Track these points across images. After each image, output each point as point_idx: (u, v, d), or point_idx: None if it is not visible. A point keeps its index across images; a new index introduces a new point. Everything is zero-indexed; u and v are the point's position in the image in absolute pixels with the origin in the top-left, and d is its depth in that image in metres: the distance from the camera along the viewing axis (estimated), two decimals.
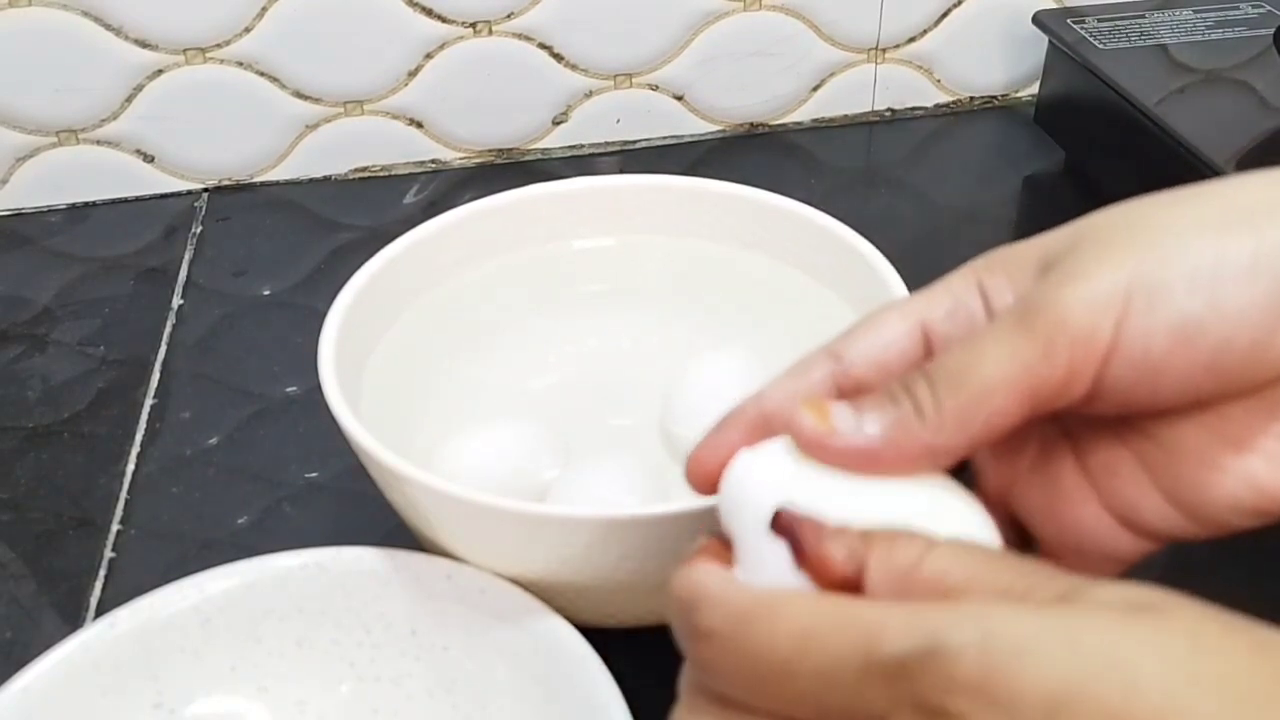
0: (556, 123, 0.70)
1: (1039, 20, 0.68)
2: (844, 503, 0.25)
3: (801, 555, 0.24)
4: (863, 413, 0.25)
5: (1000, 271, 0.28)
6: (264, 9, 0.63)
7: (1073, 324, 0.25)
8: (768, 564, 0.25)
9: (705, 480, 0.28)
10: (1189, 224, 0.26)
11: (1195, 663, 0.20)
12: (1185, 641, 0.20)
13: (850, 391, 0.28)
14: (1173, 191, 0.27)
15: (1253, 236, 0.25)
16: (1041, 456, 0.30)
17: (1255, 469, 0.26)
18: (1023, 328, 0.25)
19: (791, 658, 0.22)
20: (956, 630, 0.21)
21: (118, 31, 0.62)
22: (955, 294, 0.28)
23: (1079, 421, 0.29)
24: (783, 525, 0.25)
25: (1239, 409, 0.26)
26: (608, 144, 0.71)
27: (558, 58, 0.68)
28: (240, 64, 0.64)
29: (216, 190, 0.68)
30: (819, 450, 0.25)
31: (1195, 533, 0.28)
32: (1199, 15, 0.68)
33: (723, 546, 0.26)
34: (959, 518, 0.26)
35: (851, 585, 0.24)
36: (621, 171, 0.67)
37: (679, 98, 0.71)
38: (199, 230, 0.65)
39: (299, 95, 0.66)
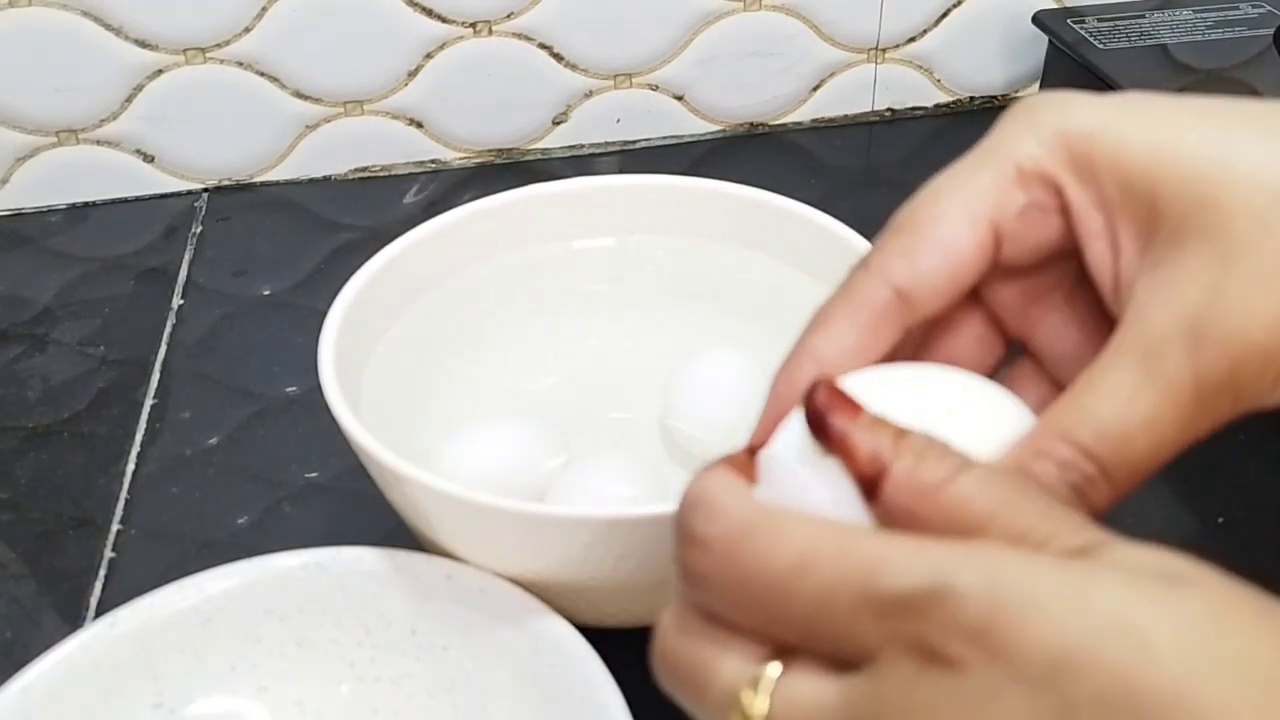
0: (556, 123, 0.70)
1: (1039, 20, 0.68)
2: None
3: (827, 434, 0.23)
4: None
5: (1088, 183, 0.26)
6: (264, 9, 0.63)
7: (1247, 380, 0.23)
8: (790, 484, 0.24)
9: None
10: None
11: (1217, 641, 0.18)
12: (1208, 617, 0.19)
13: (920, 334, 0.27)
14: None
15: None
16: (1069, 300, 0.28)
17: None
18: (1187, 402, 0.23)
19: (788, 579, 0.21)
20: (965, 573, 0.20)
21: (118, 31, 0.62)
22: (1029, 190, 0.26)
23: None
24: (816, 401, 0.23)
25: None
26: (608, 144, 0.71)
27: (558, 58, 0.68)
28: (240, 64, 0.64)
29: (216, 190, 0.68)
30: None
31: None
32: (1199, 15, 0.68)
33: (749, 461, 0.25)
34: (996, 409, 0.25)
35: (868, 482, 0.22)
36: (621, 171, 0.67)
37: (679, 98, 0.71)
38: (199, 230, 0.65)
39: (299, 95, 0.66)
